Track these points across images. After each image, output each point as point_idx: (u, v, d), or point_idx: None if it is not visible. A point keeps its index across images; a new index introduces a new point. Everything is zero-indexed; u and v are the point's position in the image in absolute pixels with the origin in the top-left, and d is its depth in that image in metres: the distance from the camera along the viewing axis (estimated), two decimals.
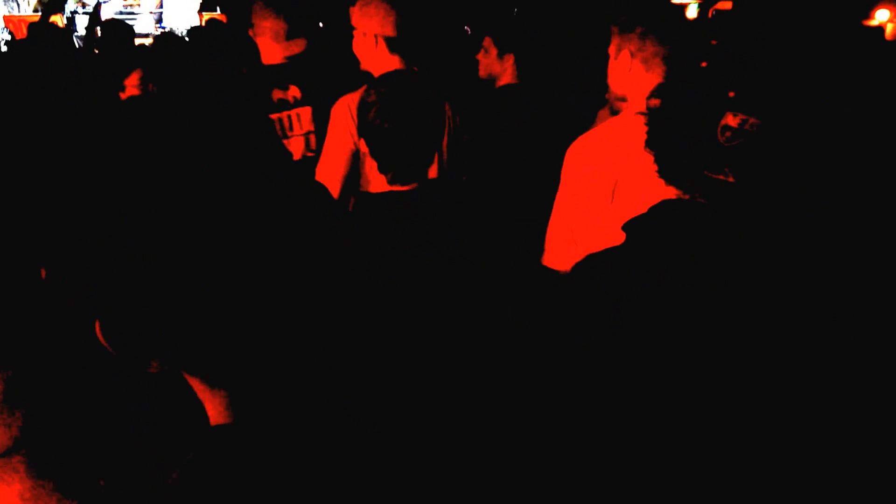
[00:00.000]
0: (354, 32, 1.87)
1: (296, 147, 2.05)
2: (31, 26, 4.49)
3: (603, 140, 1.52)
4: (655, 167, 0.92)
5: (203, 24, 6.38)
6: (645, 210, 0.94)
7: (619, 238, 0.98)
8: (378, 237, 1.23)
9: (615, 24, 1.53)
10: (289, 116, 2.03)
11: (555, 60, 2.67)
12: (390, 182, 1.30)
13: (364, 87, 1.81)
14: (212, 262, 0.50)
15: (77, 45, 5.04)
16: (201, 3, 7.87)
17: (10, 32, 6.19)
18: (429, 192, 1.28)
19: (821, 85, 0.84)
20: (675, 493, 0.86)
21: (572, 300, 0.99)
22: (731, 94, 0.81)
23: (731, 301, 0.84)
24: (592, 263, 0.97)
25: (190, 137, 0.57)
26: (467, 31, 4.94)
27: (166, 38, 3.78)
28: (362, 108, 1.31)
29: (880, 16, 7.76)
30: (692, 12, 9.11)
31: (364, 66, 1.89)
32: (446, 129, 1.31)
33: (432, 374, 1.13)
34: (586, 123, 2.01)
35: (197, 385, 0.56)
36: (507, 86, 2.38)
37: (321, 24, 2.23)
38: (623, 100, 1.60)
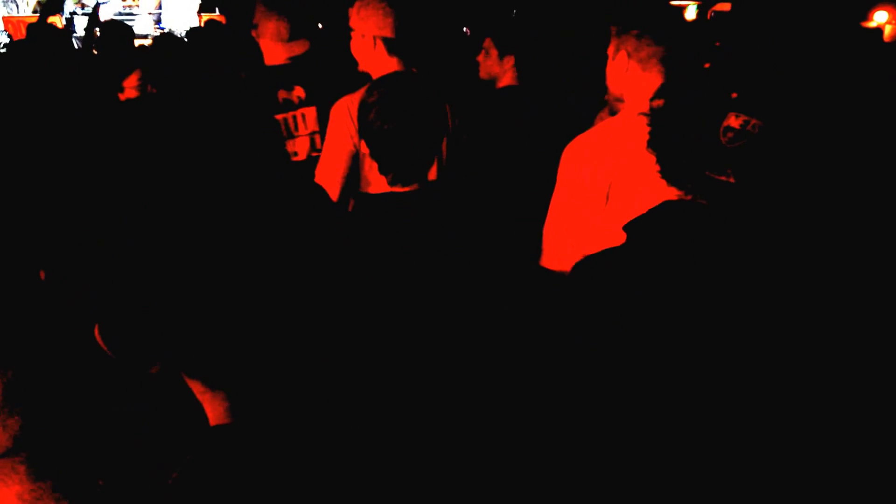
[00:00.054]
0: (353, 34, 1.87)
1: (301, 147, 2.05)
2: (30, 27, 4.49)
3: (598, 141, 1.52)
4: (654, 168, 0.92)
5: (202, 25, 6.39)
6: (641, 211, 0.94)
7: (613, 239, 0.98)
8: (378, 238, 1.23)
9: (614, 25, 1.53)
10: (294, 117, 2.03)
11: (555, 62, 2.67)
12: (391, 183, 1.29)
13: (363, 89, 1.82)
14: (210, 263, 0.50)
15: (76, 46, 5.04)
16: (200, 4, 7.87)
17: (9, 35, 6.19)
18: (429, 194, 1.28)
19: (822, 87, 0.84)
20: (675, 494, 0.86)
21: (572, 301, 0.99)
22: (734, 96, 0.81)
23: (731, 302, 0.84)
24: (593, 264, 0.97)
25: (188, 140, 0.57)
26: (467, 32, 4.95)
27: (165, 39, 3.78)
28: (363, 109, 1.31)
29: (879, 17, 7.78)
30: (691, 14, 9.13)
31: (362, 67, 1.89)
32: (447, 131, 1.31)
33: (432, 374, 1.13)
34: (586, 125, 2.01)
35: (196, 387, 0.55)
36: (508, 87, 2.38)
37: (320, 26, 2.23)
38: (621, 100, 1.60)
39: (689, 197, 0.87)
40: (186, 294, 0.50)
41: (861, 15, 7.70)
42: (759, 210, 0.84)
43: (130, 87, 2.42)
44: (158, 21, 8.44)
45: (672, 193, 0.89)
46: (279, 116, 2.01)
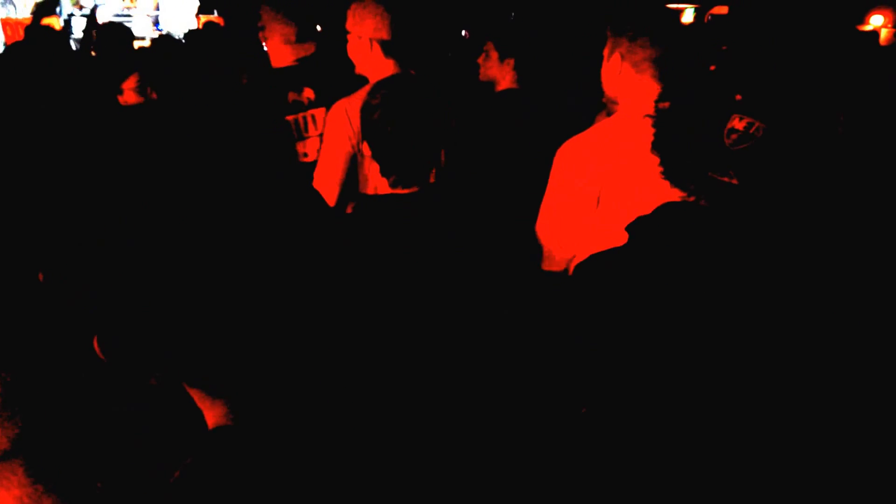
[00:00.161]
0: (349, 36, 1.87)
1: (311, 148, 2.06)
2: (27, 29, 4.48)
3: (592, 143, 1.52)
4: (654, 169, 0.92)
5: (200, 26, 6.38)
6: (637, 212, 0.95)
7: (605, 240, 0.98)
8: (379, 239, 1.23)
9: (609, 27, 1.54)
10: (304, 118, 2.04)
11: (555, 65, 2.67)
12: (392, 185, 1.30)
13: (360, 91, 1.82)
14: (209, 269, 0.49)
15: (73, 48, 5.03)
16: (198, 6, 7.87)
17: (5, 39, 6.18)
18: (430, 196, 1.28)
19: (823, 90, 0.84)
20: (678, 494, 0.86)
21: (574, 301, 0.99)
22: (738, 98, 0.82)
23: (734, 303, 0.84)
24: (595, 264, 0.97)
25: (189, 141, 0.57)
26: (466, 35, 4.96)
27: (164, 41, 3.77)
28: (366, 111, 1.31)
29: (875, 21, 7.82)
30: (688, 17, 9.16)
31: (359, 69, 1.90)
32: (448, 133, 1.31)
33: (433, 376, 1.13)
34: (585, 127, 2.01)
35: (196, 395, 0.55)
36: (507, 90, 2.38)
37: (319, 28, 2.23)
38: (616, 102, 1.61)
39: (691, 198, 0.87)
40: (186, 295, 0.50)
41: (857, 18, 7.74)
42: (762, 211, 0.84)
43: (129, 90, 2.42)
44: (156, 23, 8.44)
45: (675, 195, 0.89)
46: (290, 118, 2.02)
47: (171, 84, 2.44)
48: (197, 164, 0.54)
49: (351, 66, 1.94)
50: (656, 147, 0.91)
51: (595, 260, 0.98)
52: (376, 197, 1.34)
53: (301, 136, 2.04)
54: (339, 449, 0.56)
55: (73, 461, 0.63)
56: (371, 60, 1.85)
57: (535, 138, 2.18)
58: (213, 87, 2.39)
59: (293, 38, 2.05)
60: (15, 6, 7.15)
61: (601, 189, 1.48)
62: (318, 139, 2.04)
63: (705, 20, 8.97)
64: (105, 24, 4.06)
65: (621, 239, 0.96)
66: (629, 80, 1.50)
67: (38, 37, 3.58)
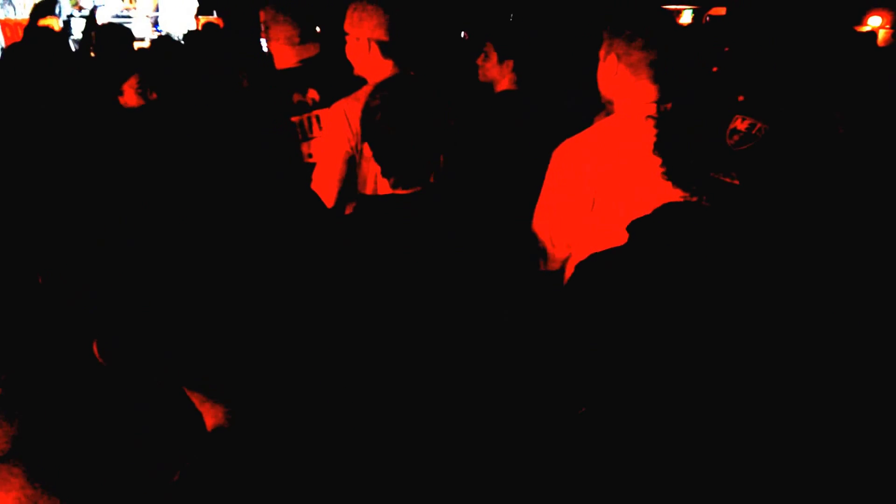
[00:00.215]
0: (347, 38, 1.87)
1: (316, 148, 2.07)
2: (26, 30, 4.48)
3: (588, 145, 1.53)
4: (654, 170, 0.92)
5: (199, 27, 6.38)
6: (635, 213, 0.95)
7: (601, 239, 0.98)
8: (380, 240, 1.23)
9: (605, 28, 1.54)
10: (309, 118, 2.05)
11: (554, 66, 2.67)
12: (393, 186, 1.30)
13: (358, 92, 1.82)
14: (208, 269, 0.49)
15: (73, 49, 5.03)
16: (197, 7, 7.87)
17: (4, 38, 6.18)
18: (431, 196, 1.28)
19: (823, 91, 0.84)
20: (679, 494, 0.86)
21: (574, 301, 0.99)
22: (741, 99, 0.82)
23: (735, 303, 0.84)
24: (596, 264, 0.97)
25: (189, 142, 0.57)
26: (465, 36, 4.96)
27: (163, 42, 3.77)
28: (367, 112, 1.30)
29: (873, 22, 7.84)
30: (686, 18, 9.16)
31: (358, 71, 1.90)
32: (449, 134, 1.31)
33: (434, 377, 1.13)
34: (584, 128, 2.01)
35: (195, 397, 0.55)
36: (506, 91, 2.38)
37: (318, 29, 2.23)
38: (612, 103, 1.61)
39: (693, 199, 0.87)
40: (185, 296, 0.50)
41: (855, 19, 7.75)
42: (763, 212, 0.84)
43: (130, 91, 2.42)
44: (156, 24, 8.44)
45: (676, 195, 0.89)
46: (295, 119, 2.03)
47: (171, 85, 2.44)
48: (196, 166, 0.54)
49: (350, 67, 1.94)
50: (659, 147, 0.91)
51: (596, 259, 0.98)
52: (377, 197, 1.34)
53: (306, 136, 2.05)
54: (338, 451, 0.56)
55: (71, 462, 0.63)
56: (369, 61, 1.86)
57: (534, 139, 2.18)
58: (212, 88, 2.40)
59: (297, 40, 2.06)
60: (14, 7, 7.14)
61: (596, 190, 1.48)
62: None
63: (703, 21, 8.98)
64: (104, 26, 4.06)
65: (619, 239, 0.96)
66: (625, 82, 1.50)
67: (37, 38, 3.58)
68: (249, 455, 0.53)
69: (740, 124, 0.81)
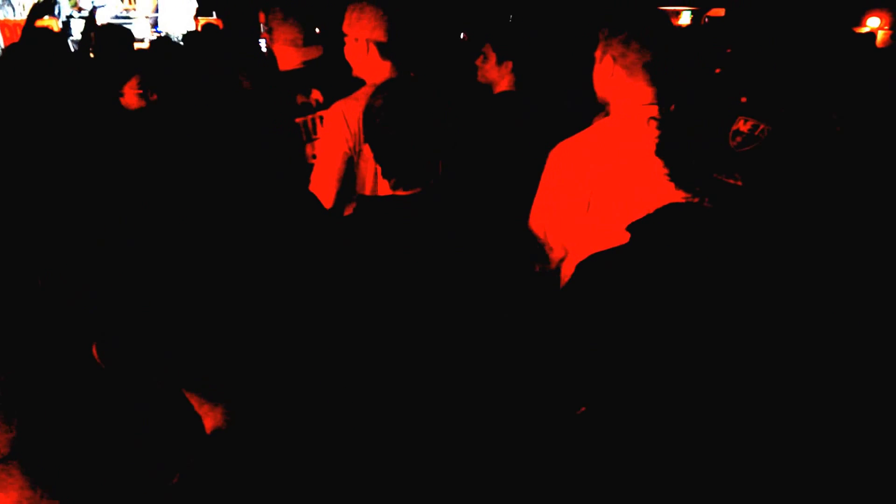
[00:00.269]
0: (346, 39, 1.87)
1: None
2: (24, 31, 4.48)
3: (584, 146, 1.53)
4: (654, 171, 0.92)
5: (199, 28, 6.39)
6: (634, 213, 0.95)
7: (598, 239, 0.98)
8: (380, 241, 1.23)
9: (601, 29, 1.54)
10: (312, 120, 2.05)
11: (553, 67, 2.67)
12: (394, 187, 1.30)
13: (357, 94, 1.82)
14: (208, 270, 0.49)
15: (72, 50, 5.03)
16: (197, 8, 7.87)
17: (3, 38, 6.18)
18: (432, 197, 1.28)
19: (823, 92, 0.84)
20: (679, 495, 0.86)
21: (575, 300, 0.99)
22: (743, 100, 0.82)
23: (736, 304, 0.84)
24: (596, 264, 0.97)
25: (189, 143, 0.57)
26: (464, 37, 4.96)
27: (163, 43, 3.77)
28: (369, 114, 1.30)
29: (871, 23, 7.85)
30: (685, 19, 9.18)
31: (356, 72, 1.90)
32: (449, 135, 1.31)
33: (434, 378, 1.13)
34: (582, 129, 2.02)
35: (195, 399, 0.55)
36: (505, 93, 2.39)
37: (318, 31, 2.24)
38: (608, 104, 1.61)
39: (695, 200, 0.87)
40: (184, 297, 0.50)
41: (854, 20, 7.76)
42: (766, 213, 0.84)
43: (131, 92, 2.42)
44: (155, 25, 8.44)
45: (677, 196, 0.89)
46: (299, 120, 2.03)
47: (171, 86, 2.44)
48: (195, 168, 0.54)
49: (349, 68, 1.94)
50: (661, 148, 0.91)
51: (597, 259, 0.98)
52: (377, 198, 1.33)
53: (310, 137, 2.05)
54: (337, 452, 0.56)
55: (70, 464, 0.63)
56: (367, 62, 1.86)
57: (533, 140, 2.18)
58: (213, 89, 2.40)
59: (300, 42, 2.07)
60: (13, 8, 7.14)
61: (592, 191, 1.48)
62: None
63: (702, 22, 8.99)
64: (104, 26, 4.06)
65: (615, 239, 0.96)
66: (621, 83, 1.50)
67: (35, 39, 3.58)
68: (248, 457, 0.53)
69: (743, 125, 0.81)
